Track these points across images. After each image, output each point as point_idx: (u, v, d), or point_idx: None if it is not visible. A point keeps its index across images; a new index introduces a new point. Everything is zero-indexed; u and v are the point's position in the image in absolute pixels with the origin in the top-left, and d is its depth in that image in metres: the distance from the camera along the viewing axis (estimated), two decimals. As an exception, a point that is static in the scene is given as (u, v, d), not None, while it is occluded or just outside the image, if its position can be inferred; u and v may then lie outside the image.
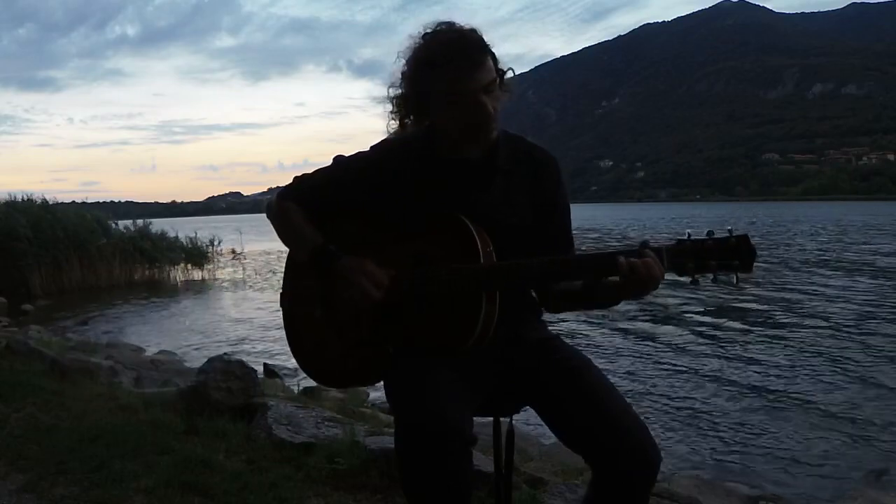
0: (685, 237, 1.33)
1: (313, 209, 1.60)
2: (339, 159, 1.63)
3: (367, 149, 1.63)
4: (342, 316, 1.56)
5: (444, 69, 1.41)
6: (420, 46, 1.47)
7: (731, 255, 1.29)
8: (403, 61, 1.50)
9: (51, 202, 16.26)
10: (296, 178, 1.65)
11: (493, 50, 1.47)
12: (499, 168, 1.54)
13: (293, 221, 1.60)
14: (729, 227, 1.30)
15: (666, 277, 1.32)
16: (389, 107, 1.56)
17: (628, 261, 1.32)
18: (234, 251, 21.30)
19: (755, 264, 1.29)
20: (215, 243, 19.52)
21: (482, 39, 1.46)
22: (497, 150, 1.54)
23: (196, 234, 18.86)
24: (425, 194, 1.53)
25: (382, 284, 1.48)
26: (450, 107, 1.45)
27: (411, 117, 1.54)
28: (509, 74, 1.50)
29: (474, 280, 1.43)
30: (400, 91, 1.53)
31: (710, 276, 1.31)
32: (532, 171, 1.58)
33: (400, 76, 1.51)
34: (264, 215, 1.72)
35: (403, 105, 1.54)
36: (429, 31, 1.47)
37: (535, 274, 1.43)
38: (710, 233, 1.31)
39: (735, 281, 1.31)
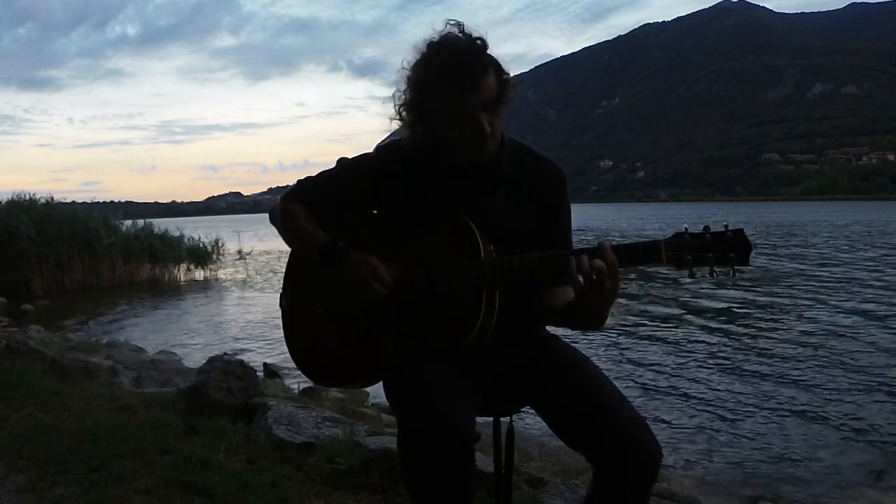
0: (683, 231, 1.35)
1: (318, 210, 1.60)
2: (342, 161, 1.64)
3: (371, 150, 1.64)
4: (343, 313, 1.56)
5: (445, 88, 1.41)
6: (425, 59, 1.45)
7: (728, 248, 1.31)
8: (409, 69, 1.48)
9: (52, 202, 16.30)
10: (299, 181, 1.66)
11: (498, 57, 1.46)
12: (503, 176, 1.55)
13: (298, 222, 1.60)
14: (725, 223, 1.33)
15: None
16: (394, 112, 1.54)
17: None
18: (239, 251, 21.43)
19: (751, 257, 1.32)
20: (220, 244, 19.58)
21: (484, 52, 1.45)
22: (501, 158, 1.55)
23: (200, 235, 18.90)
24: (429, 197, 1.54)
25: (388, 281, 1.49)
26: (450, 122, 1.46)
27: (417, 125, 1.53)
28: (514, 78, 1.49)
29: (475, 278, 1.44)
30: (405, 98, 1.51)
31: (708, 269, 1.33)
32: (537, 181, 1.58)
33: (406, 83, 1.49)
34: (264, 215, 1.72)
35: (409, 111, 1.52)
36: (435, 40, 1.46)
37: (535, 270, 1.43)
38: (706, 228, 1.33)
39: (732, 274, 1.34)
